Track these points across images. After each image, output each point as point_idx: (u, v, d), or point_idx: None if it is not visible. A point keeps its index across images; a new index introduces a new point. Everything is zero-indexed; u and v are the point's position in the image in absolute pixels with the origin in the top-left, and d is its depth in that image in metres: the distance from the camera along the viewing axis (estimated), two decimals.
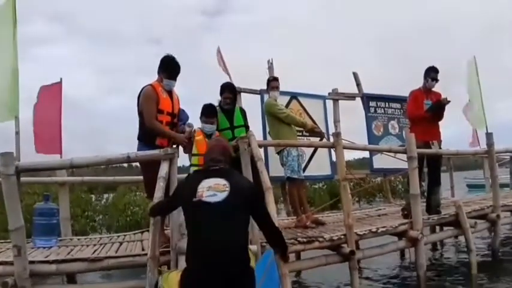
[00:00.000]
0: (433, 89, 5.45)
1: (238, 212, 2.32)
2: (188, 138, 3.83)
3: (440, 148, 5.44)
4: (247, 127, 4.33)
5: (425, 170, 5.59)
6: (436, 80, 5.40)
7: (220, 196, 2.28)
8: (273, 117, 4.95)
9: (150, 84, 3.72)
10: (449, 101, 5.25)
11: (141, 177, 6.43)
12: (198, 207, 2.29)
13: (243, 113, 4.46)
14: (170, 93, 3.81)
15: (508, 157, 9.62)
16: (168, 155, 3.41)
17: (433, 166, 5.42)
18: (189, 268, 2.33)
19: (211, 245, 2.22)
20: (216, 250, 2.21)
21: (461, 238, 5.86)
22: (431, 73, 5.39)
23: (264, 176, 3.49)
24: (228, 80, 5.50)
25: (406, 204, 5.12)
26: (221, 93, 4.37)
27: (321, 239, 4.00)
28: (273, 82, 5.07)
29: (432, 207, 5.32)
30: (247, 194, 2.40)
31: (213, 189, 2.30)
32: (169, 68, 3.76)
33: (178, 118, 3.88)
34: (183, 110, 3.95)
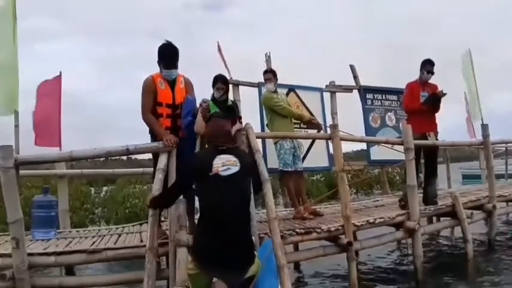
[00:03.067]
0: (430, 81, 5.47)
1: (246, 184, 2.81)
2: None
3: (436, 140, 5.47)
4: (239, 118, 4.32)
5: (422, 161, 5.63)
6: (432, 73, 5.42)
7: (233, 169, 2.67)
8: (269, 110, 4.96)
9: (151, 76, 3.64)
10: (445, 94, 5.26)
11: (139, 170, 6.49)
12: (215, 180, 2.62)
13: (235, 105, 4.48)
14: (173, 83, 3.68)
15: (503, 148, 9.68)
16: (167, 147, 3.41)
17: (429, 157, 5.46)
18: (202, 229, 2.69)
19: (224, 210, 2.57)
20: (228, 213, 2.57)
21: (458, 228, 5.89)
22: (427, 66, 5.40)
23: (261, 167, 3.51)
24: (227, 74, 5.49)
25: (403, 195, 5.15)
26: (214, 84, 4.32)
27: (318, 230, 4.03)
28: (265, 75, 5.12)
29: (429, 198, 5.36)
30: (251, 169, 2.98)
31: (227, 165, 2.67)
32: (164, 57, 3.62)
33: (182, 109, 3.67)
34: (189, 100, 3.70)
